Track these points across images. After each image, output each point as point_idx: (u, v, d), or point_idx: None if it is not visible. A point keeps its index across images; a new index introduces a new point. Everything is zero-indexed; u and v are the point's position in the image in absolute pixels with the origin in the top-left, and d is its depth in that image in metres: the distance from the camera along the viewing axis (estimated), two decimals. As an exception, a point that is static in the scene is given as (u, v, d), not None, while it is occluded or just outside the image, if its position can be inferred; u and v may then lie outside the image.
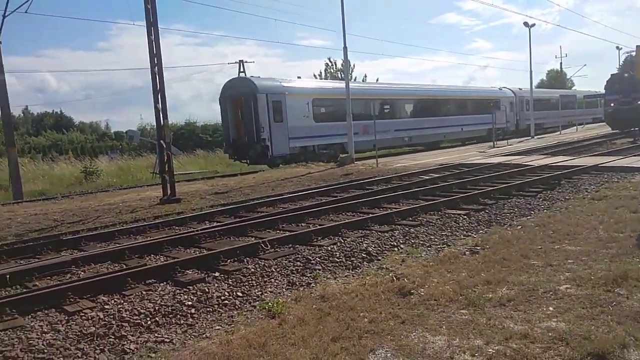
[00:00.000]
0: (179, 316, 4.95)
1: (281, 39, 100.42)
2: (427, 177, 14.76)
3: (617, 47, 48.48)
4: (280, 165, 21.18)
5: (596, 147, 22.60)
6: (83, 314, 5.03)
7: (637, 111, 26.82)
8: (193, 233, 8.30)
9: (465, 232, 7.82)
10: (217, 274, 6.19)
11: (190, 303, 5.24)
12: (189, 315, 4.97)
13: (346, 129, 20.94)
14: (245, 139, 21.22)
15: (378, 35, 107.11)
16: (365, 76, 48.24)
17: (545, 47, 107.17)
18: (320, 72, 48.08)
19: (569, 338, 3.74)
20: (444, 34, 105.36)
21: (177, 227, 9.51)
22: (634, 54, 9.86)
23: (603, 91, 31.12)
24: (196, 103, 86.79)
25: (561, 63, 64.48)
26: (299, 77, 25.30)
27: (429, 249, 6.96)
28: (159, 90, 13.67)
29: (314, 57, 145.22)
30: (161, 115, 13.80)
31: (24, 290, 5.93)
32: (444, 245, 7.04)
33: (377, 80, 45.19)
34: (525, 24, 34.72)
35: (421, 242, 7.35)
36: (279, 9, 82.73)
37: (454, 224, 8.36)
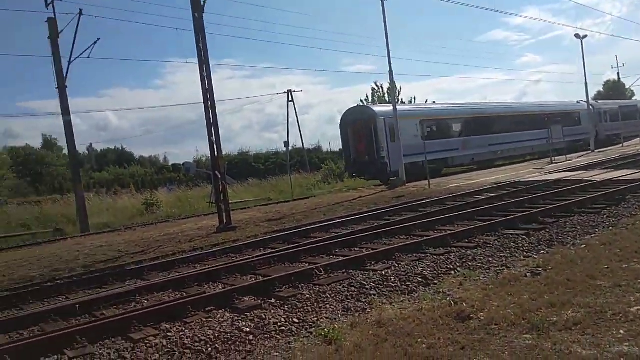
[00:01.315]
0: (237, 343, 5.03)
1: (326, 66, 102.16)
2: (483, 197, 14.38)
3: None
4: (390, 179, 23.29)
5: (664, 158, 21.33)
6: (147, 342, 5.22)
7: None
8: (249, 260, 8.47)
9: (525, 253, 7.55)
10: (273, 300, 6.26)
11: (248, 330, 5.32)
12: (247, 342, 5.05)
13: (442, 145, 23.37)
14: (366, 158, 24.50)
15: (423, 57, 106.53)
16: (414, 98, 47.95)
17: (600, 57, 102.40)
18: (367, 97, 48.19)
19: (643, 363, 3.52)
20: (491, 50, 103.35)
21: (233, 255, 9.73)
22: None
23: None
24: (248, 133, 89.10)
25: (618, 73, 61.75)
26: (410, 102, 27.41)
27: (487, 271, 6.76)
28: (212, 123, 14.23)
29: (360, 82, 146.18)
30: (215, 147, 14.32)
31: (93, 319, 6.23)
32: (503, 267, 6.82)
33: (426, 101, 44.90)
34: (577, 36, 33.73)
35: (479, 264, 7.15)
36: (323, 38, 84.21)
37: (513, 244, 8.09)
